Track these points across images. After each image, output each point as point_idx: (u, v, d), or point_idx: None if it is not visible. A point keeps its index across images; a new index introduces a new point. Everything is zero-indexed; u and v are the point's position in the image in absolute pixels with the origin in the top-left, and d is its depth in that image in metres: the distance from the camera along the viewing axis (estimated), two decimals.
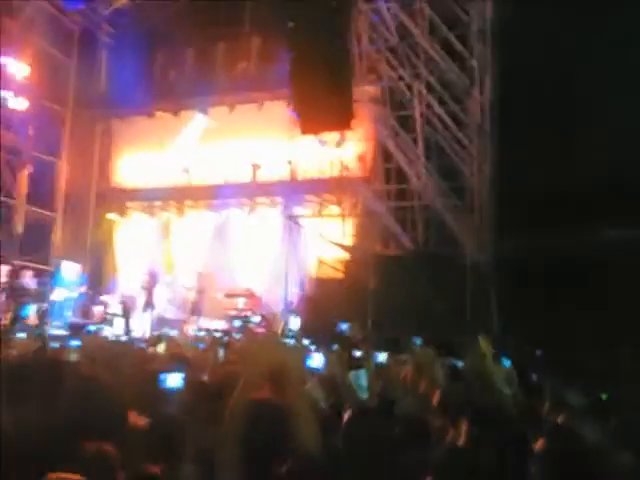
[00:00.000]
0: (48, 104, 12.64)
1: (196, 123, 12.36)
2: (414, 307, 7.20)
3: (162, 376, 3.41)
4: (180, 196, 12.44)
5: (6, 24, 11.45)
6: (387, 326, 7.07)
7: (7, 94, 11.27)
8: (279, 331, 7.67)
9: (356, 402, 3.84)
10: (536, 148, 7.28)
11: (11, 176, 11.86)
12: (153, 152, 12.90)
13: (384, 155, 10.32)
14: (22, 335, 6.90)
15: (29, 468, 1.93)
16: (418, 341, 6.67)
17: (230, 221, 12.04)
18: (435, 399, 3.74)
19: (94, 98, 13.65)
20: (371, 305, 7.67)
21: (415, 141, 9.85)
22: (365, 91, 10.23)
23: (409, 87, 9.98)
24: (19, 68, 11.52)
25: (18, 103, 11.46)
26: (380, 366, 5.44)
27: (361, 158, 10.86)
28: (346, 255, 9.45)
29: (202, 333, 8.39)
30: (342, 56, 7.52)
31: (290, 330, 7.57)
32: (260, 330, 8.23)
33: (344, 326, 7.22)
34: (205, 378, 4.25)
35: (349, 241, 9.93)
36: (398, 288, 7.65)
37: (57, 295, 10.44)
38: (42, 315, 9.31)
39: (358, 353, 6.05)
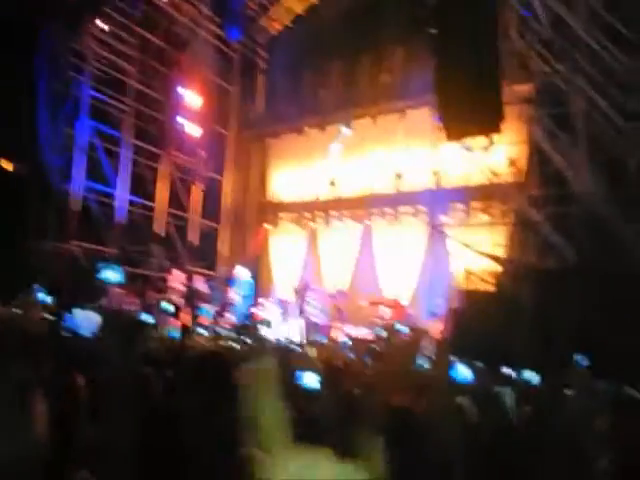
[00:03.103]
0: (215, 128, 14.07)
1: (341, 137, 12.84)
2: (579, 328, 6.55)
3: (298, 373, 3.60)
4: (326, 207, 13.01)
5: (179, 59, 13.15)
6: (543, 347, 6.55)
7: (184, 121, 12.88)
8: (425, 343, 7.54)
9: (502, 419, 3.68)
10: None
11: (186, 193, 13.58)
12: (302, 166, 13.67)
13: (539, 158, 9.62)
14: (202, 332, 7.74)
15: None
16: (584, 362, 6.08)
17: (374, 230, 12.26)
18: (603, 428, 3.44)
19: (252, 119, 14.94)
20: (528, 322, 7.18)
21: (575, 141, 9.06)
22: (516, 91, 9.68)
23: (566, 82, 9.23)
24: (193, 98, 12.99)
25: (192, 129, 12.99)
26: (531, 386, 5.09)
27: (513, 162, 10.26)
28: (497, 267, 8.97)
29: (349, 341, 8.62)
30: (490, 57, 7.21)
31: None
32: (407, 340, 8.19)
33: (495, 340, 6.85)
34: (350, 384, 4.41)
35: (500, 252, 9.43)
36: (560, 305, 7.02)
37: (231, 298, 11.56)
38: (215, 316, 10.44)
39: (507, 370, 5.76)
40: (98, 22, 11.64)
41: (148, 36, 12.61)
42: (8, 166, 9.60)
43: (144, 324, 5.63)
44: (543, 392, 4.87)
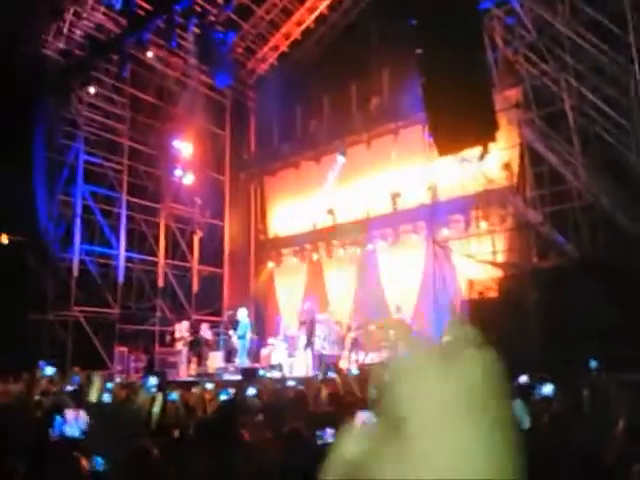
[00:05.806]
0: (209, 174, 14.25)
1: (337, 166, 12.81)
2: (585, 324, 6.20)
3: (320, 433, 3.19)
4: (327, 236, 12.87)
5: (172, 112, 13.44)
6: (554, 348, 6.19)
7: (178, 172, 13.06)
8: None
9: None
10: None
11: (185, 242, 13.64)
12: (300, 199, 13.67)
13: (532, 159, 9.39)
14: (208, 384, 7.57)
15: None
16: (594, 363, 5.74)
17: (377, 253, 12.07)
18: (620, 428, 3.19)
19: (247, 160, 15.08)
20: (533, 324, 6.81)
21: (568, 138, 8.82)
22: (505, 96, 9.57)
23: (555, 82, 9.05)
24: (185, 147, 13.21)
25: (186, 178, 13.17)
26: (544, 396, 4.84)
27: (506, 167, 10.04)
28: (499, 273, 8.62)
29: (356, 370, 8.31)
30: (478, 70, 7.09)
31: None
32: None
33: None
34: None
35: (501, 257, 9.09)
36: (564, 303, 6.68)
37: (236, 342, 11.32)
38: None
39: (521, 379, 5.45)
40: (87, 87, 11.78)
41: (138, 94, 12.89)
42: (4, 240, 9.75)
43: (135, 411, 5.73)
44: (557, 402, 4.62)
